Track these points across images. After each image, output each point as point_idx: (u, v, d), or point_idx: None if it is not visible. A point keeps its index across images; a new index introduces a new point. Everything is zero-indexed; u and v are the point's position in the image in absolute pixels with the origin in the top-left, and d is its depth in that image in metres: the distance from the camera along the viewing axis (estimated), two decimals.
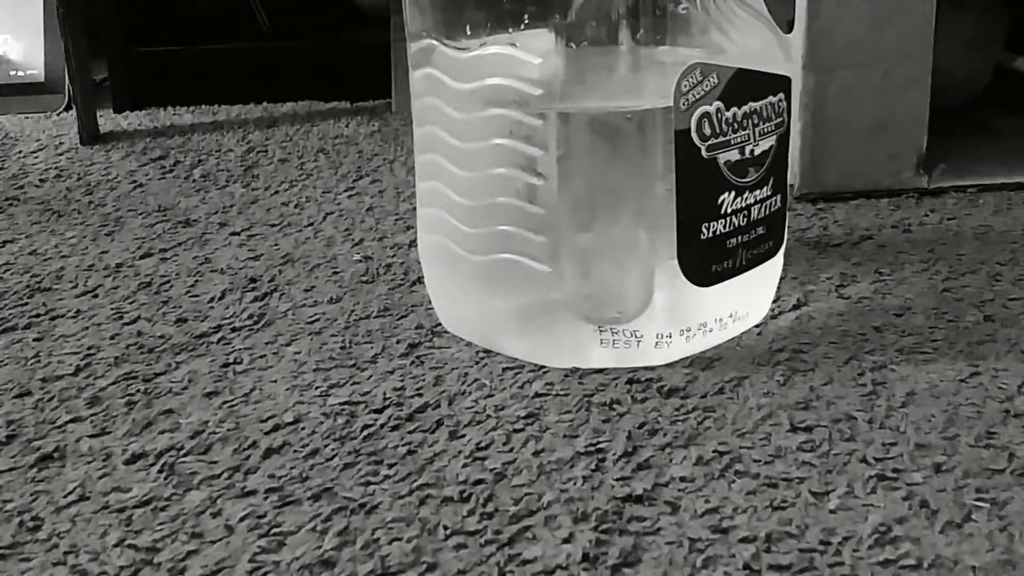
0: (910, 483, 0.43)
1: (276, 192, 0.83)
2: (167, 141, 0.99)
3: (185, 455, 0.46)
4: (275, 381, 0.53)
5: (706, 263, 0.51)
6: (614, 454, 0.45)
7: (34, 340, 0.58)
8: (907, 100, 0.74)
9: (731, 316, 0.54)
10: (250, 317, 0.60)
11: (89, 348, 0.57)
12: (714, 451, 0.45)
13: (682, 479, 0.43)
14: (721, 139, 0.50)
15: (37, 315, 0.61)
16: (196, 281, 0.66)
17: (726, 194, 0.51)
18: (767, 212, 0.53)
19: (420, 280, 0.62)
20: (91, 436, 0.48)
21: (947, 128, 0.81)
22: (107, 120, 1.08)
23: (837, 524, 0.40)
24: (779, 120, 0.53)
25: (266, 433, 0.48)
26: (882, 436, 0.46)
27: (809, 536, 0.40)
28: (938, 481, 0.43)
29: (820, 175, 0.75)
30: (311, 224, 0.75)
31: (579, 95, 0.50)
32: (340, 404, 0.50)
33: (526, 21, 0.50)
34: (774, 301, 0.58)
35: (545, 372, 0.52)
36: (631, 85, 0.50)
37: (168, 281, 0.66)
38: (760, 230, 0.53)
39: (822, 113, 0.73)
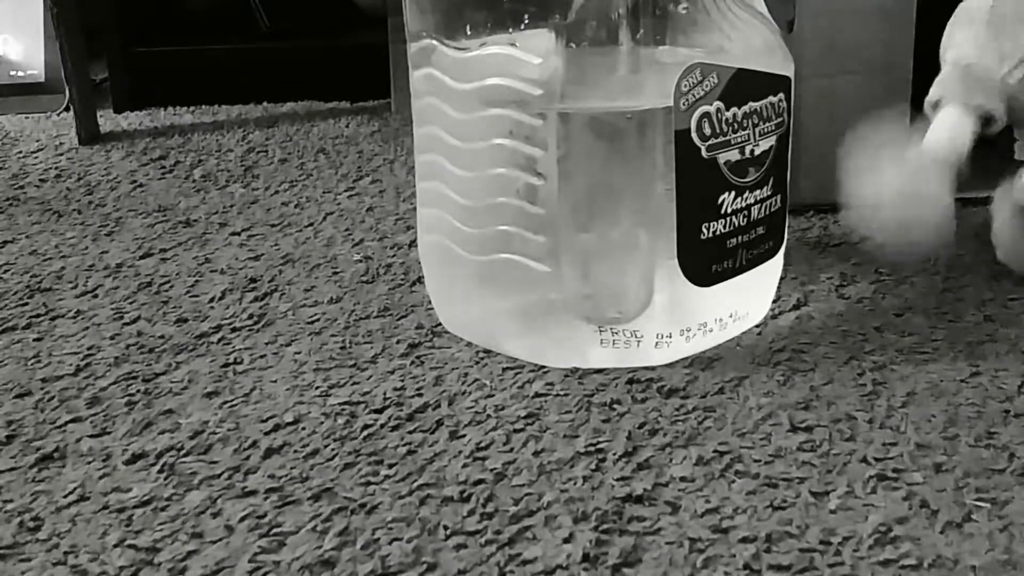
0: (910, 483, 0.43)
1: (276, 192, 0.83)
2: (167, 141, 0.99)
3: (185, 455, 0.46)
4: (275, 381, 0.53)
5: (706, 263, 0.51)
6: (614, 454, 0.45)
7: (34, 340, 0.58)
8: (887, 110, 0.69)
9: (731, 316, 0.54)
10: (250, 317, 0.60)
11: (89, 348, 0.57)
12: (714, 451, 0.45)
13: (682, 479, 0.43)
14: (721, 139, 0.50)
15: (37, 315, 0.61)
16: (196, 281, 0.66)
17: (726, 194, 0.51)
18: (767, 212, 0.53)
19: (420, 280, 0.62)
20: (91, 436, 0.48)
21: None
22: (107, 120, 1.08)
23: (837, 524, 0.40)
24: (779, 120, 0.53)
25: (266, 433, 0.48)
26: (882, 436, 0.46)
27: (809, 536, 0.40)
28: (938, 481, 0.43)
29: (795, 187, 0.72)
30: (311, 224, 0.75)
31: (579, 95, 0.50)
32: (340, 404, 0.50)
33: (526, 21, 0.50)
34: (774, 301, 0.58)
35: (545, 372, 0.52)
36: (631, 85, 0.50)
37: (168, 281, 0.66)
38: (760, 230, 0.53)
39: (797, 123, 0.70)
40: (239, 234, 0.74)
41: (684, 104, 0.48)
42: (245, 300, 0.62)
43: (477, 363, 0.54)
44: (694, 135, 0.49)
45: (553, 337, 0.52)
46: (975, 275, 0.62)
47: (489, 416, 0.49)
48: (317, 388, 0.52)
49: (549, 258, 0.50)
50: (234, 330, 0.58)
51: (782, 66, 0.53)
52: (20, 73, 1.15)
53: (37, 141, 1.00)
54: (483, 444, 0.46)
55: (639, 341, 0.52)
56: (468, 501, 0.42)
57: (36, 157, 0.95)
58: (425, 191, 0.56)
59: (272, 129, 1.02)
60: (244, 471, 0.45)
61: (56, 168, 0.91)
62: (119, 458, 0.46)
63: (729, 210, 0.51)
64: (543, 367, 0.53)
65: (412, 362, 0.54)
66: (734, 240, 0.52)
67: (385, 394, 0.51)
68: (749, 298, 0.55)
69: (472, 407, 0.49)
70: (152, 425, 0.49)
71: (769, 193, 0.53)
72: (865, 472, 0.43)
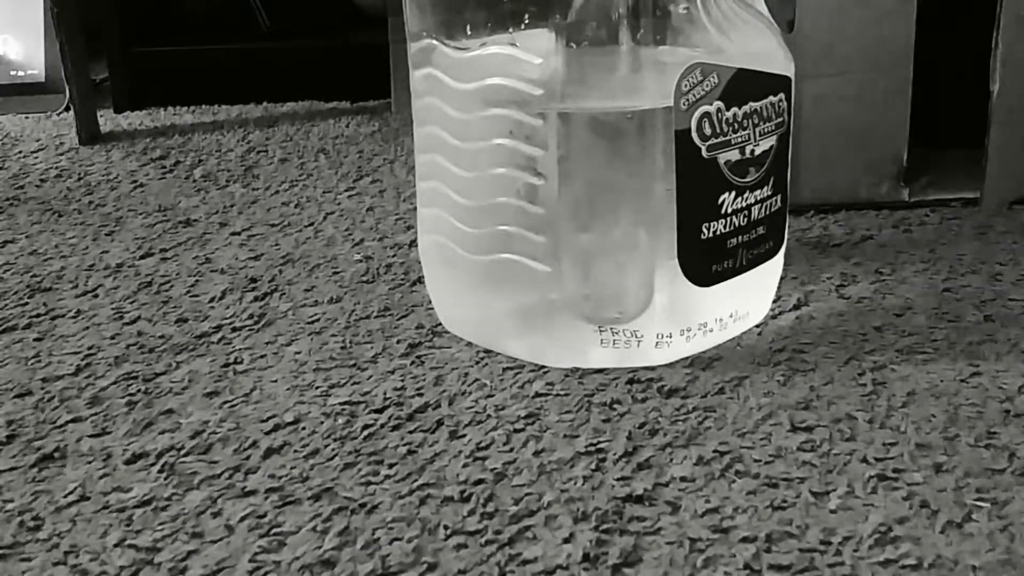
0: (910, 483, 0.43)
1: (276, 192, 0.83)
2: (167, 141, 0.99)
3: (185, 455, 0.46)
4: (275, 381, 0.53)
5: (706, 263, 0.51)
6: (614, 454, 0.45)
7: (34, 340, 0.58)
8: (886, 110, 0.71)
9: (731, 316, 0.54)
10: (250, 317, 0.60)
11: (89, 348, 0.57)
12: (714, 451, 0.45)
13: (682, 479, 0.43)
14: (721, 139, 0.50)
15: (37, 315, 0.61)
16: (196, 281, 0.66)
17: (726, 194, 0.51)
18: (767, 212, 0.53)
19: (420, 280, 0.62)
20: (91, 436, 0.48)
21: (930, 138, 0.79)
22: (107, 120, 1.08)
23: (837, 524, 0.40)
24: (779, 120, 0.53)
25: (266, 433, 0.48)
26: (882, 436, 0.46)
27: (809, 536, 0.40)
28: (938, 481, 0.43)
29: (795, 188, 0.72)
30: (311, 224, 0.75)
31: (579, 95, 0.50)
32: (340, 404, 0.50)
33: (526, 21, 0.50)
34: (774, 301, 0.58)
35: (545, 372, 0.52)
36: (631, 85, 0.50)
37: (168, 281, 0.66)
38: (760, 230, 0.53)
39: (797, 123, 0.70)
40: (239, 234, 0.74)
41: (684, 104, 0.48)
42: (245, 300, 0.62)
43: (477, 363, 0.54)
44: (694, 135, 0.49)
45: (553, 337, 0.52)
46: (975, 275, 0.62)
47: (489, 416, 0.49)
48: (317, 388, 0.52)
49: (549, 258, 0.51)
50: (234, 330, 0.58)
51: (782, 66, 0.53)
52: (20, 73, 1.15)
53: (37, 141, 1.00)
54: (483, 444, 0.46)
55: (639, 341, 0.52)
56: (468, 501, 0.42)
57: (36, 157, 0.95)
58: (425, 191, 0.56)
59: (272, 129, 1.02)
60: (244, 471, 0.45)
61: (56, 168, 0.91)
62: (119, 458, 0.46)
63: (729, 210, 0.51)
64: (543, 367, 0.53)
65: (412, 362, 0.54)
66: (734, 240, 0.52)
67: (385, 394, 0.51)
68: (749, 298, 0.55)
69: (472, 407, 0.49)
70: (152, 425, 0.49)
71: (769, 193, 0.53)
72: (865, 472, 0.43)
